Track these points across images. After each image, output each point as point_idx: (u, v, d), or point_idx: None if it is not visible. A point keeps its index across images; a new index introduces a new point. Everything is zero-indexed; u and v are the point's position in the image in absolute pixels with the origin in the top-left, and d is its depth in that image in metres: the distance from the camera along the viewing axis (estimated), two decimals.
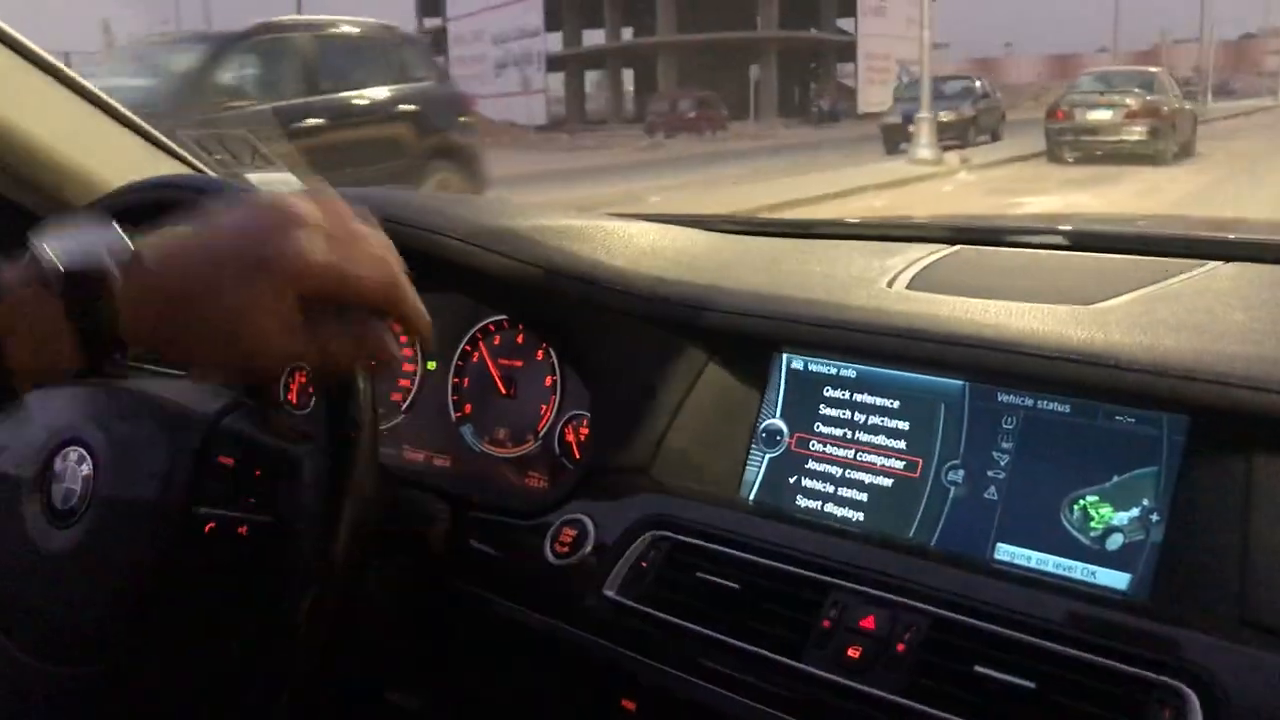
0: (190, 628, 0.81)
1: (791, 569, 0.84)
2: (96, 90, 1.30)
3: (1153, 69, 16.36)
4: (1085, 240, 1.18)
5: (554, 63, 39.90)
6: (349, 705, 1.08)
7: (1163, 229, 1.24)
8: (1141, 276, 0.97)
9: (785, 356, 0.96)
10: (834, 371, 0.94)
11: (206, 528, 0.79)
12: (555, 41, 41.54)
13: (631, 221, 1.20)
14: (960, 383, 0.87)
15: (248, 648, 0.78)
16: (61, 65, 1.24)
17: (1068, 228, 1.26)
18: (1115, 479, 0.79)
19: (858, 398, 0.92)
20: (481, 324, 1.16)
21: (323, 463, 0.76)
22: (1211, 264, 1.01)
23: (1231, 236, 1.10)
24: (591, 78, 45.69)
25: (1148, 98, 14.90)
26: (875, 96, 32.53)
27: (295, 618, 0.74)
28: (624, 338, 1.02)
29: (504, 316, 1.15)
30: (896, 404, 0.90)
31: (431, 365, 1.20)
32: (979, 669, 0.72)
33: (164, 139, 1.38)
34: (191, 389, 0.94)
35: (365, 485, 0.76)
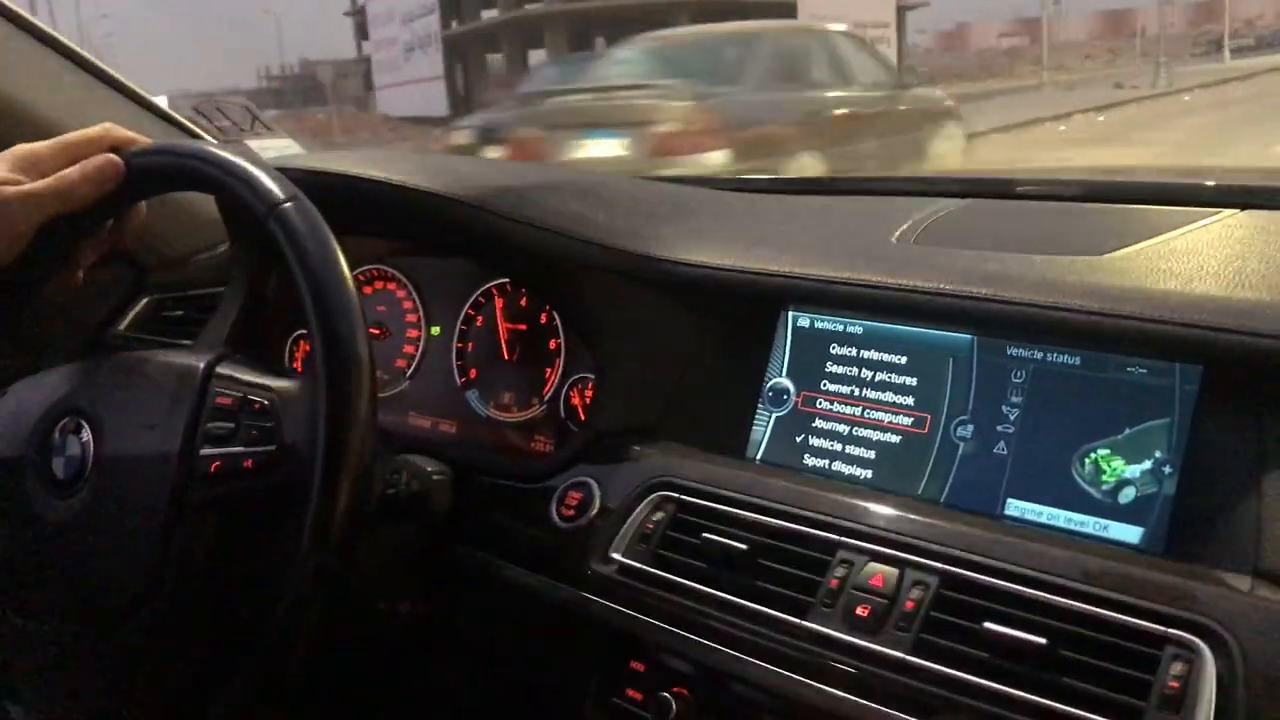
0: (205, 572, 0.80)
1: (799, 528, 0.83)
2: (93, 58, 1.29)
3: (798, 23, 7.19)
4: (1097, 191, 1.16)
5: (453, 43, 32.75)
6: (355, 672, 1.08)
7: (1176, 178, 1.22)
8: (1154, 226, 0.95)
9: (791, 314, 0.94)
10: (840, 328, 0.92)
11: (212, 467, 0.78)
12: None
13: (635, 181, 1.19)
14: (969, 336, 0.85)
15: (263, 586, 0.77)
16: (56, 33, 1.23)
17: (1080, 178, 1.24)
18: (1127, 431, 0.78)
19: (865, 354, 0.91)
20: (484, 288, 1.15)
21: (323, 387, 0.75)
22: (1226, 212, 0.99)
23: (1246, 184, 1.08)
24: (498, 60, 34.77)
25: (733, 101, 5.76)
26: None
27: (312, 539, 0.73)
28: (628, 298, 1.00)
29: (506, 280, 1.13)
30: (904, 360, 0.89)
31: (435, 330, 1.19)
32: (989, 625, 0.71)
33: (161, 106, 1.37)
34: (185, 349, 0.94)
35: (364, 399, 0.75)
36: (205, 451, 0.79)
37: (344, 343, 0.75)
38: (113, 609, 0.80)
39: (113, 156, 0.85)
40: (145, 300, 1.39)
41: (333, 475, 0.73)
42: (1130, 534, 0.76)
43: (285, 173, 0.87)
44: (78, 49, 1.26)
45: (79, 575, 0.82)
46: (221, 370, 0.83)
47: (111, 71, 1.32)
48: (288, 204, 0.79)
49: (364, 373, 0.75)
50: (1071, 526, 0.78)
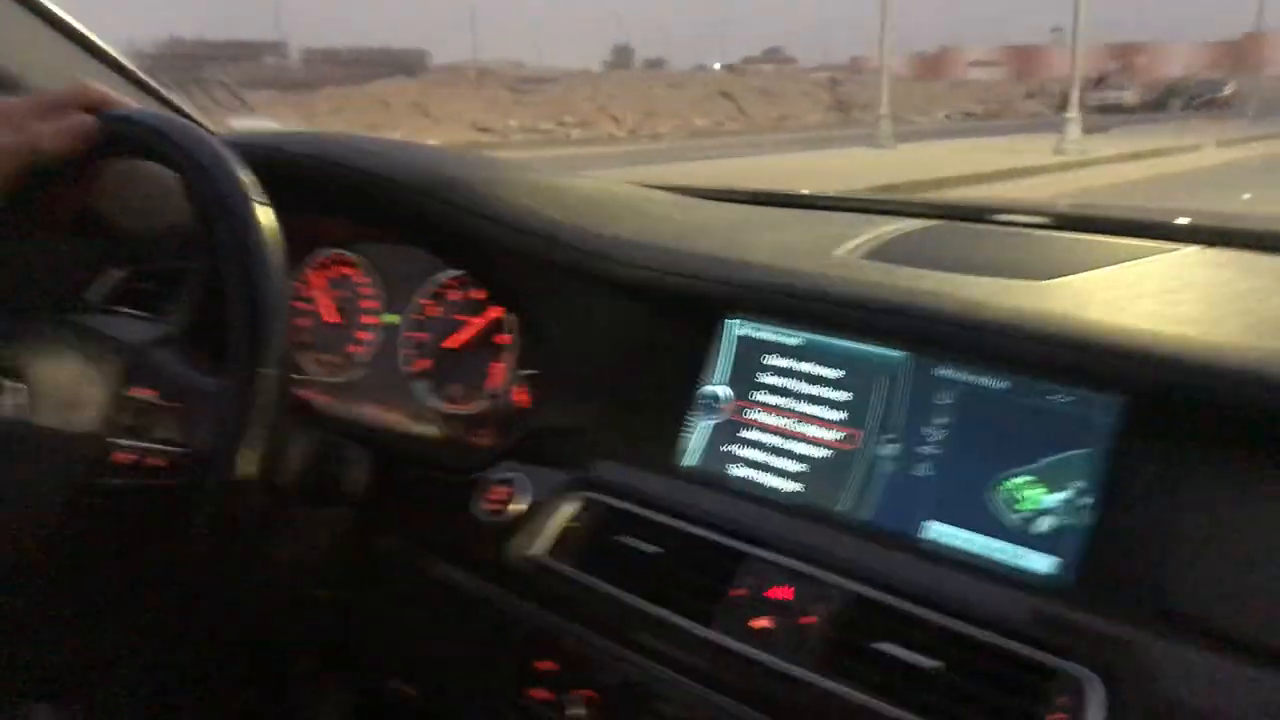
0: (106, 556, 0.81)
1: (710, 535, 0.82)
2: (81, 28, 1.30)
3: None
4: (1068, 221, 1.15)
5: None
6: (276, 652, 1.07)
7: (1150, 215, 1.20)
8: (1107, 256, 0.94)
9: (731, 321, 0.93)
10: (779, 339, 0.91)
11: (119, 459, 0.78)
12: None
13: (595, 181, 1.18)
14: (902, 354, 0.84)
15: (161, 577, 0.77)
16: (50, 5, 1.24)
17: (1056, 210, 1.23)
18: (1047, 460, 0.76)
19: (801, 366, 0.89)
20: (439, 279, 1.15)
21: (230, 394, 0.75)
22: (1186, 248, 0.98)
23: (1215, 224, 1.06)
24: None
25: None
26: None
27: (200, 544, 0.73)
28: (575, 298, 1.00)
29: (462, 272, 1.13)
30: (839, 374, 0.87)
31: (391, 319, 1.19)
32: (885, 646, 0.70)
33: (148, 79, 1.38)
34: (130, 325, 0.93)
35: (271, 420, 0.74)
36: (115, 441, 0.79)
37: (261, 360, 0.75)
38: (11, 571, 0.80)
39: (86, 115, 0.85)
40: (118, 271, 1.39)
41: (223, 502, 0.74)
42: (1044, 564, 0.75)
43: (249, 149, 0.87)
44: (65, 16, 1.27)
45: None
46: (147, 358, 0.82)
47: (98, 40, 1.32)
48: (235, 199, 0.79)
49: (277, 391, 0.75)
50: (987, 553, 0.77)
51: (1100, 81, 41.66)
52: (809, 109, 36.38)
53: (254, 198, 0.80)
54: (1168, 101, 39.28)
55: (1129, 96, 37.07)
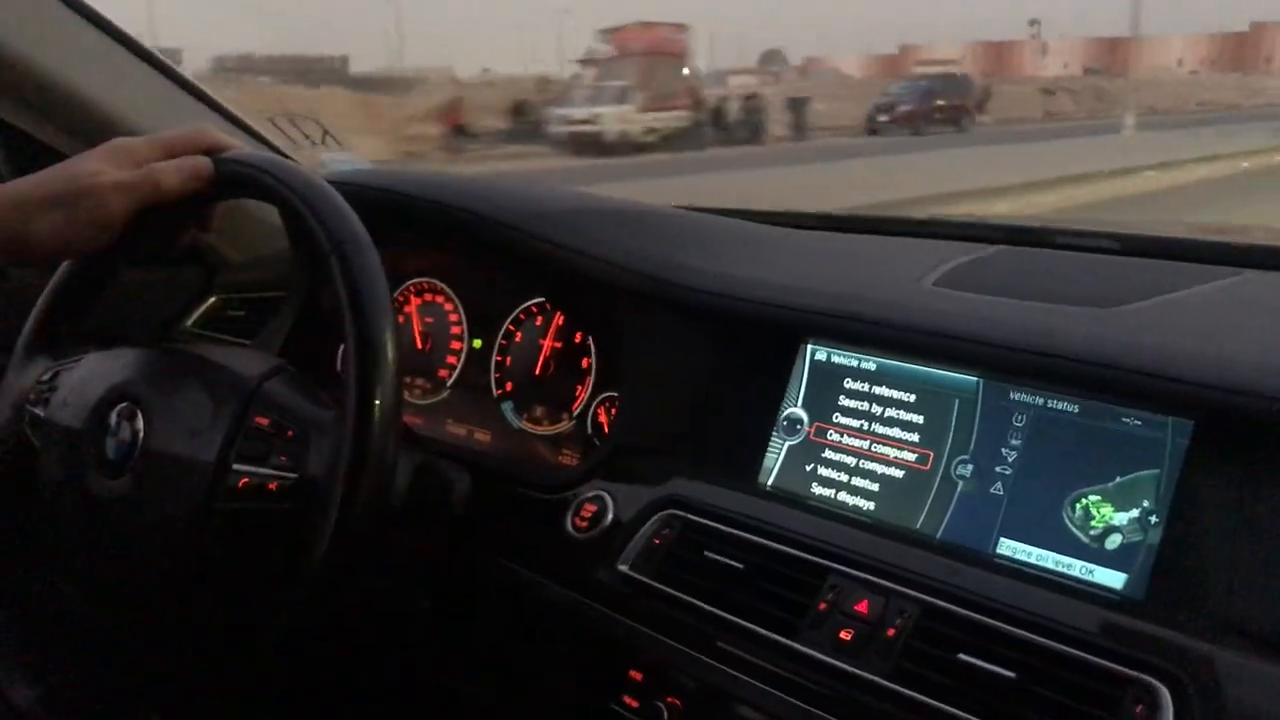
0: (220, 573, 0.87)
1: (793, 551, 0.86)
2: (176, 68, 1.38)
3: None
4: (1134, 245, 1.18)
5: None
6: (373, 663, 1.13)
7: (1214, 236, 1.23)
8: (1174, 281, 0.97)
9: (809, 347, 0.98)
10: (855, 363, 0.95)
11: (240, 483, 0.84)
12: None
13: (674, 210, 1.23)
14: (975, 379, 0.88)
15: (270, 595, 0.83)
16: (142, 43, 1.32)
17: (1119, 231, 1.25)
18: (1118, 480, 0.80)
19: (876, 390, 0.94)
20: (525, 305, 1.20)
21: (348, 426, 0.80)
22: (1250, 272, 1.00)
23: (1275, 244, 1.08)
24: None
25: None
26: None
27: (311, 567, 0.79)
28: (655, 322, 1.05)
29: (544, 299, 1.19)
30: (913, 398, 0.92)
31: (477, 343, 1.25)
32: (962, 657, 0.74)
33: (241, 116, 1.45)
34: (243, 355, 1.00)
35: (385, 450, 0.80)
36: (237, 467, 0.85)
37: (375, 394, 0.80)
38: (133, 592, 0.87)
39: (204, 158, 0.92)
40: (212, 299, 1.47)
41: (341, 525, 0.79)
42: (1114, 580, 0.78)
43: (349, 188, 0.93)
44: (159, 55, 1.35)
45: (112, 553, 0.88)
46: (266, 389, 0.88)
47: (191, 79, 1.40)
48: (350, 245, 0.84)
49: (390, 424, 0.80)
50: (1059, 569, 0.81)
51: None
52: None
53: (363, 238, 0.85)
54: (802, 120, 24.59)
55: (610, 121, 18.61)
